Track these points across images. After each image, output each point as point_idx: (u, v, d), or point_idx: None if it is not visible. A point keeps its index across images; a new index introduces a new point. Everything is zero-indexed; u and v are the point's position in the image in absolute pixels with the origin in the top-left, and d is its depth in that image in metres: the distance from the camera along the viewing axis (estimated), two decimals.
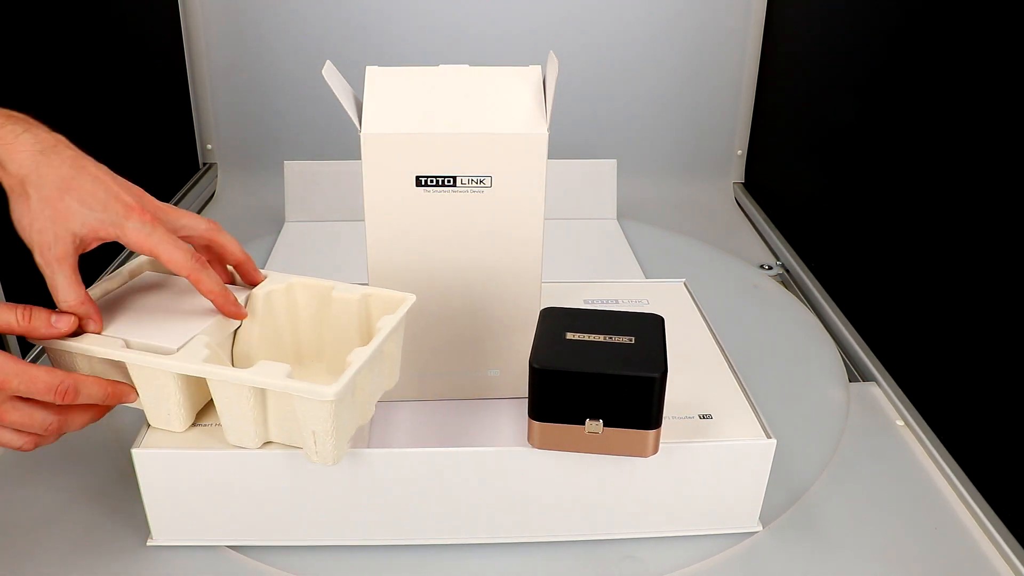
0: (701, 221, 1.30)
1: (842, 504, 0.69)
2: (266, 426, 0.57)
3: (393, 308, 0.60)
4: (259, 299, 0.62)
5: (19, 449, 0.53)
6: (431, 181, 0.61)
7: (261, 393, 0.55)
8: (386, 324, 0.58)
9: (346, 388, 0.52)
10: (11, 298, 0.83)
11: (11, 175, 0.53)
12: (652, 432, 0.58)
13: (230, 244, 0.61)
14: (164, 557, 0.62)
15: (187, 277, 0.56)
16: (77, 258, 0.54)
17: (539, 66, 0.63)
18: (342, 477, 0.60)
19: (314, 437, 0.54)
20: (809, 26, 1.20)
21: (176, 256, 0.55)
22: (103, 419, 0.57)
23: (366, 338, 0.62)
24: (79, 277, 0.54)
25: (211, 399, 0.62)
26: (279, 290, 0.63)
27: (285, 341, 0.65)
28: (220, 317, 0.60)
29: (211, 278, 0.57)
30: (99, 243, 0.54)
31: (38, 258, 0.53)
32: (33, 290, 0.88)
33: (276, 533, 0.63)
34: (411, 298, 0.61)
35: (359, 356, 0.54)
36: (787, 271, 1.15)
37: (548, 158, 0.61)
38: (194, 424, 0.60)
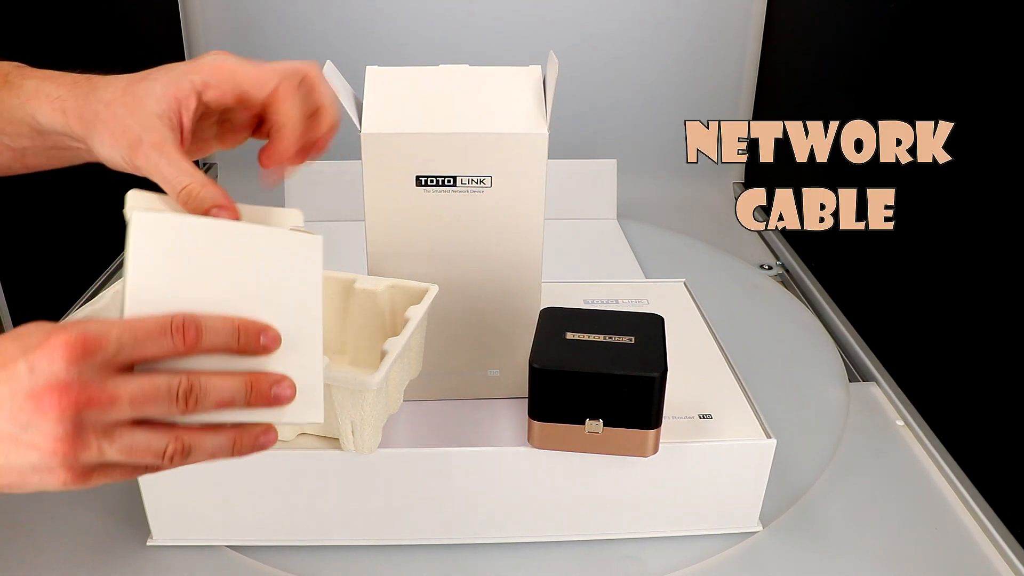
0: (701, 221, 1.30)
1: (842, 504, 0.69)
2: None
3: (416, 298, 0.61)
4: None
5: (155, 468, 0.40)
6: (431, 181, 0.61)
7: None
8: (415, 314, 0.58)
9: (386, 377, 0.53)
10: (10, 298, 0.83)
11: (79, 120, 0.47)
12: (652, 432, 0.58)
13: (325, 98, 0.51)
14: (164, 557, 0.62)
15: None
16: (179, 138, 0.46)
17: (539, 66, 0.63)
18: (342, 477, 0.60)
19: (352, 427, 0.55)
20: (809, 26, 1.20)
21: (290, 110, 0.47)
22: None
23: (389, 330, 0.62)
24: (186, 158, 0.46)
25: None
26: None
27: None
28: None
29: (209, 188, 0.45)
30: (190, 115, 0.47)
31: (135, 164, 0.45)
32: (33, 291, 0.89)
33: (276, 533, 0.63)
34: (434, 288, 0.61)
35: (395, 345, 0.55)
36: (787, 271, 1.15)
37: (548, 158, 0.61)
38: None
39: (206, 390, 0.40)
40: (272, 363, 0.42)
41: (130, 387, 0.38)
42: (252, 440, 0.42)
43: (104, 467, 0.39)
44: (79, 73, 0.49)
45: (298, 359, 0.43)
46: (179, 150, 0.45)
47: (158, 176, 0.45)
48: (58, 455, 0.37)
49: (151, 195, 0.45)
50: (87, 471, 0.38)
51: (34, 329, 0.38)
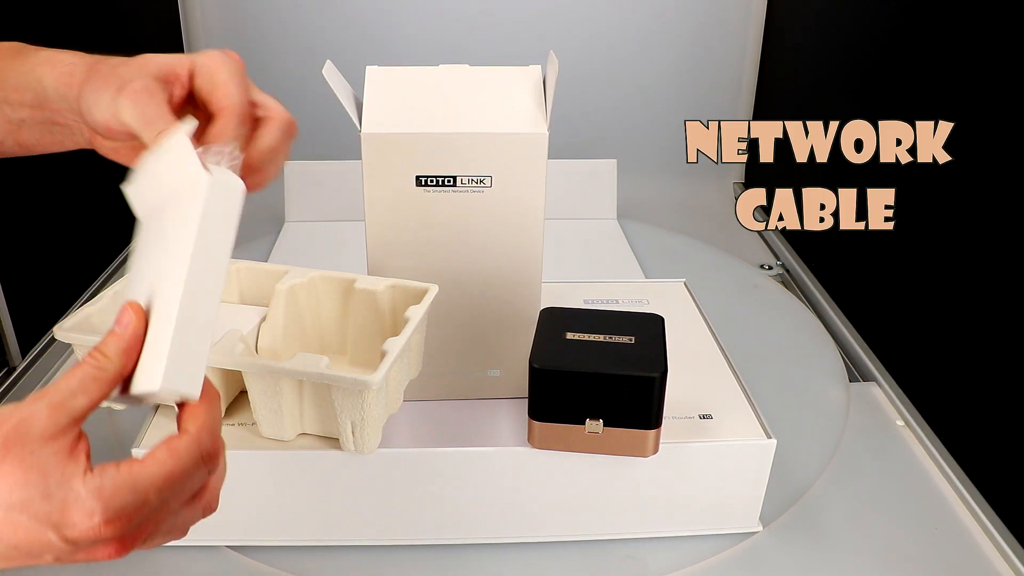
0: (701, 221, 1.30)
1: (842, 504, 0.69)
2: (302, 418, 0.58)
3: (416, 298, 0.61)
4: (282, 293, 0.62)
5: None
6: (431, 181, 0.61)
7: (298, 385, 0.56)
8: (415, 314, 0.58)
9: (386, 377, 0.53)
10: (10, 298, 0.83)
11: (78, 76, 0.46)
12: (652, 432, 0.58)
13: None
14: (164, 557, 0.62)
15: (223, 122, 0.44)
16: (168, 99, 0.45)
17: (539, 66, 0.63)
18: (342, 477, 0.60)
19: (352, 427, 0.55)
20: (809, 25, 1.20)
21: (234, 93, 0.45)
22: (104, 418, 0.57)
23: (389, 329, 0.62)
24: (170, 110, 0.45)
25: (237, 395, 0.62)
26: (302, 284, 0.63)
27: (309, 334, 0.65)
28: (244, 313, 0.60)
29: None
30: (183, 89, 0.46)
31: (119, 103, 0.44)
32: (33, 292, 0.89)
33: (276, 533, 0.63)
34: (434, 288, 0.61)
35: (395, 345, 0.55)
36: (787, 271, 1.15)
37: (548, 158, 0.61)
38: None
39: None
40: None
41: (177, 518, 0.39)
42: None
43: None
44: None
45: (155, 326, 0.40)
46: (165, 102, 0.45)
47: (139, 113, 0.44)
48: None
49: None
50: None
51: (40, 494, 0.35)
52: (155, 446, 0.38)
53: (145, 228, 0.44)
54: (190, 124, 0.42)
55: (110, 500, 0.35)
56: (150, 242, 0.43)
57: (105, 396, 0.38)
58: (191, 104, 0.48)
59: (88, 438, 0.37)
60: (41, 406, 0.35)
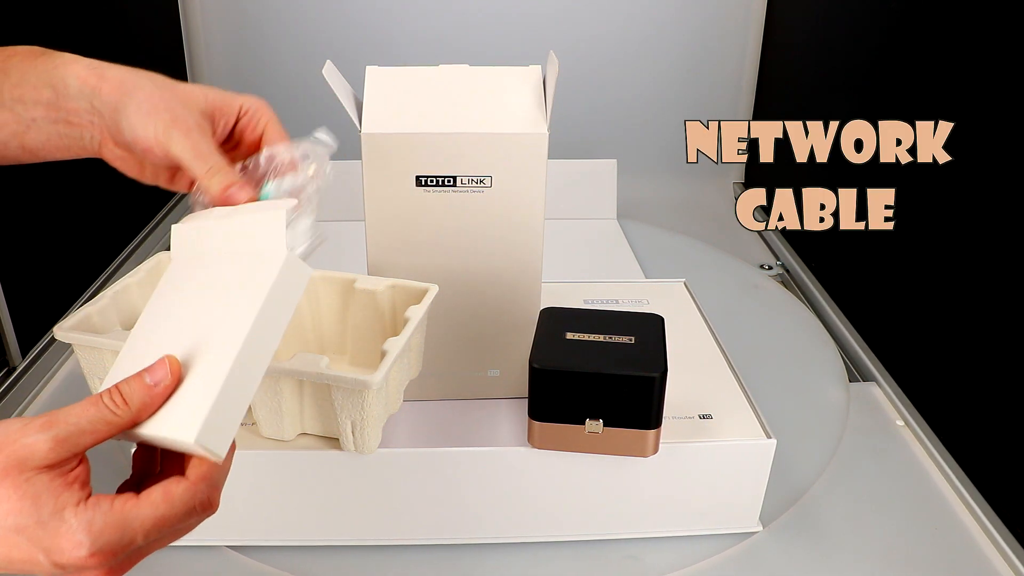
0: (701, 221, 1.30)
1: (842, 504, 0.69)
2: (302, 418, 0.58)
3: (416, 298, 0.60)
4: None
5: None
6: (431, 181, 0.61)
7: (298, 385, 0.56)
8: (415, 314, 0.58)
9: (386, 377, 0.53)
10: (10, 298, 0.83)
11: (118, 87, 0.48)
12: (652, 432, 0.58)
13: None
14: (164, 557, 0.62)
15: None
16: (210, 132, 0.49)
17: (539, 66, 0.63)
18: (342, 477, 0.60)
19: (352, 427, 0.55)
20: (809, 26, 1.20)
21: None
22: None
23: (389, 329, 0.62)
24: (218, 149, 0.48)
25: None
26: None
27: (309, 335, 0.65)
28: None
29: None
30: (226, 129, 0.50)
31: (170, 135, 0.47)
32: (33, 292, 0.89)
33: (276, 533, 0.63)
34: (434, 288, 0.61)
35: (395, 345, 0.55)
36: (787, 271, 1.15)
37: (548, 158, 0.61)
38: None
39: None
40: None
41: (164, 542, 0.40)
42: None
43: None
44: None
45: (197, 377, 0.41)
46: (213, 140, 0.48)
47: (191, 150, 0.47)
48: None
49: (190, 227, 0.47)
50: None
51: (34, 521, 0.36)
52: (153, 487, 0.38)
53: (183, 273, 0.45)
54: (290, 204, 0.46)
55: (98, 535, 0.36)
56: (191, 291, 0.44)
57: (111, 437, 0.39)
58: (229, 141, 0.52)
59: (88, 462, 0.38)
60: (46, 439, 0.36)
